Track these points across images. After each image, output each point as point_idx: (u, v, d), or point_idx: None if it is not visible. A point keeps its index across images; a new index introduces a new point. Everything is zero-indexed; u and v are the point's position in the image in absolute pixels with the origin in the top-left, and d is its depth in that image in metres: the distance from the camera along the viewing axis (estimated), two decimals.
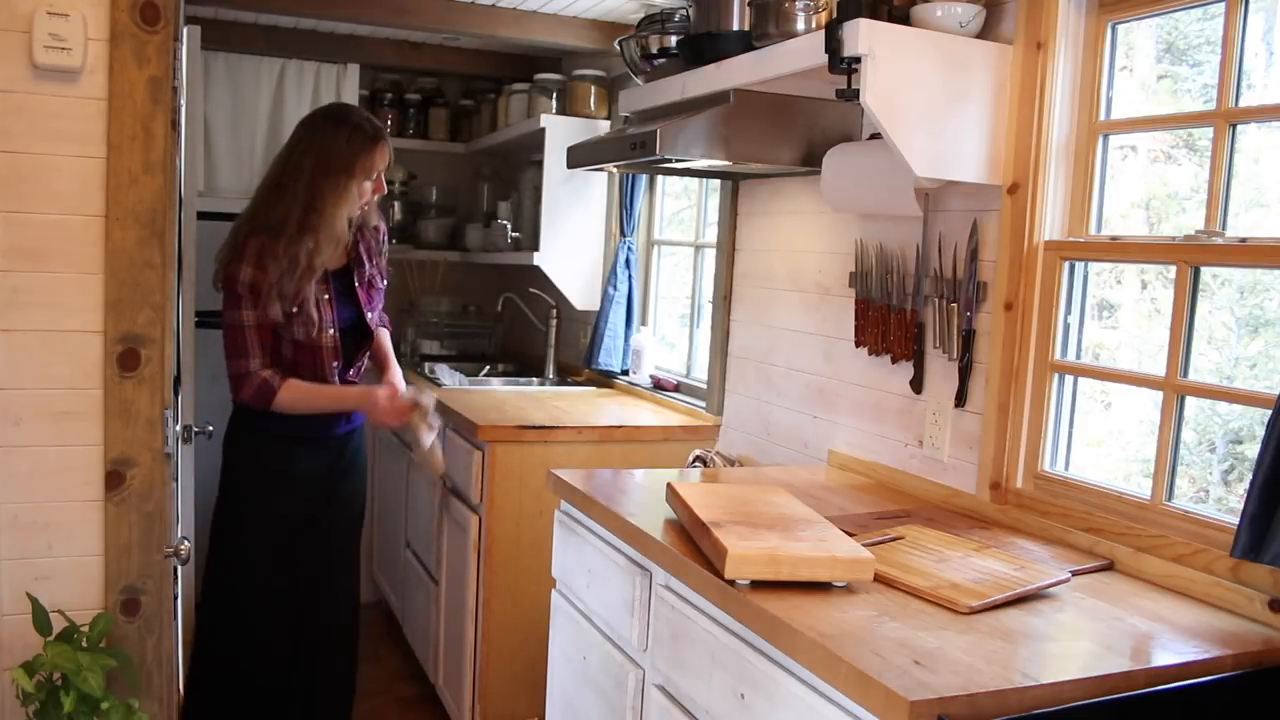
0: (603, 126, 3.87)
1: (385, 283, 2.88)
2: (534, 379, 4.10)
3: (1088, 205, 2.04)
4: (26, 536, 2.09)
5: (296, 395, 2.61)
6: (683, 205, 3.82)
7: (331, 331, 2.66)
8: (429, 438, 2.76)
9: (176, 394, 2.35)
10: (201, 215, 3.59)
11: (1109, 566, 1.86)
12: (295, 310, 2.60)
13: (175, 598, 2.41)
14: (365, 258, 2.77)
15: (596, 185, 3.95)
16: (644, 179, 3.74)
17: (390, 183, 4.65)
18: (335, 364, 2.69)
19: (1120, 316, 2.12)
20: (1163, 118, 1.98)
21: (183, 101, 2.26)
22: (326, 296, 2.66)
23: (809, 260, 2.73)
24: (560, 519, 2.35)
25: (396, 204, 4.68)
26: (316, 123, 2.66)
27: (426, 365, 4.04)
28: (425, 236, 4.70)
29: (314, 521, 2.75)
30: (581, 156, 2.82)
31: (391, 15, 3.60)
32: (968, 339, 2.20)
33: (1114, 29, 2.02)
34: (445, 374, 3.86)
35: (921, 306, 2.33)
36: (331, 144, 2.59)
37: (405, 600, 3.83)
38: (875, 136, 2.32)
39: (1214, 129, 1.79)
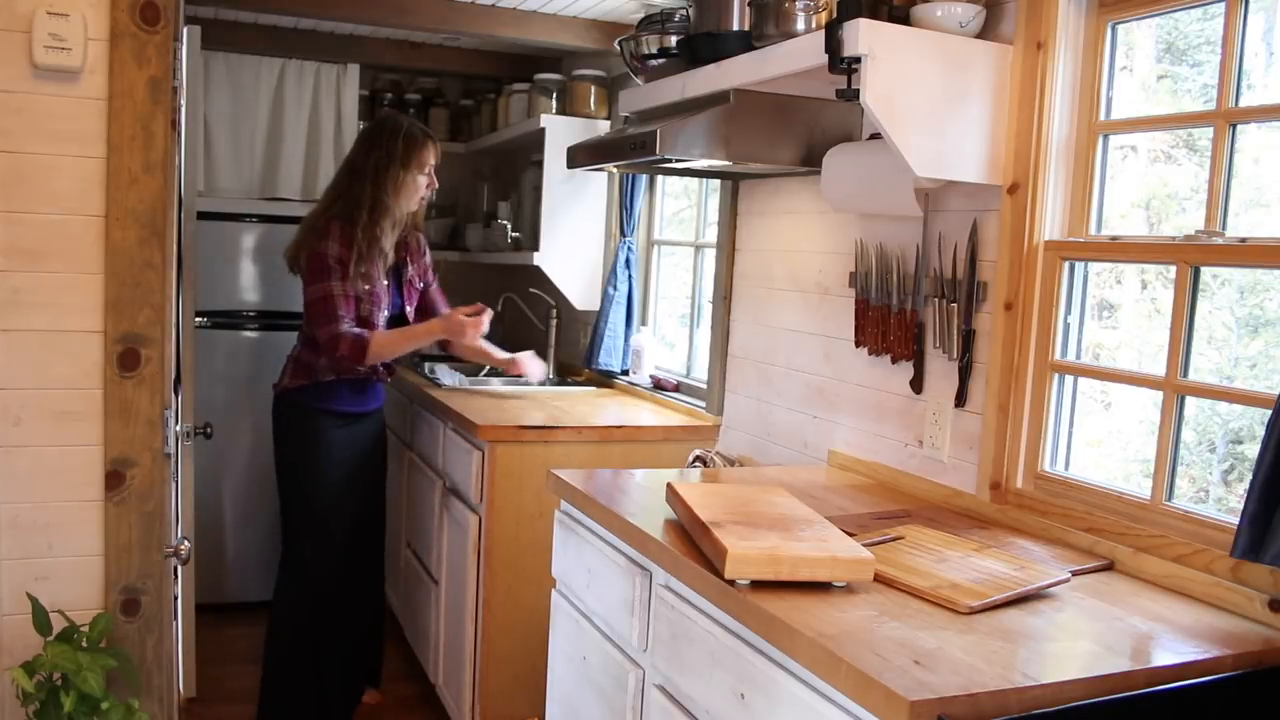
0: (603, 126, 3.87)
1: (434, 280, 3.38)
2: None
3: (1088, 205, 2.04)
4: (26, 536, 2.09)
5: (385, 340, 3.06)
6: (683, 205, 3.82)
7: (385, 314, 3.12)
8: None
9: (176, 394, 2.35)
10: (201, 215, 3.60)
11: (1109, 566, 1.86)
12: (365, 288, 3.04)
13: (175, 598, 2.41)
14: (408, 260, 3.25)
15: (596, 185, 3.95)
16: (644, 179, 3.74)
17: None
18: None
19: (1120, 316, 2.12)
20: (1163, 118, 1.98)
21: (183, 101, 2.26)
22: (385, 283, 3.13)
23: (809, 260, 2.73)
24: (560, 519, 2.35)
25: None
26: (375, 129, 3.15)
27: (426, 365, 4.04)
28: (425, 236, 4.69)
29: (366, 488, 3.26)
30: (581, 156, 2.82)
31: (391, 15, 3.60)
32: (968, 339, 2.20)
33: (1114, 29, 2.02)
34: (445, 374, 3.86)
35: (921, 306, 2.33)
36: (390, 144, 3.08)
37: (405, 600, 3.83)
38: (875, 136, 2.32)
39: (1214, 129, 1.79)
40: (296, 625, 3.17)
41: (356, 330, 2.99)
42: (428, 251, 3.37)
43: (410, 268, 3.25)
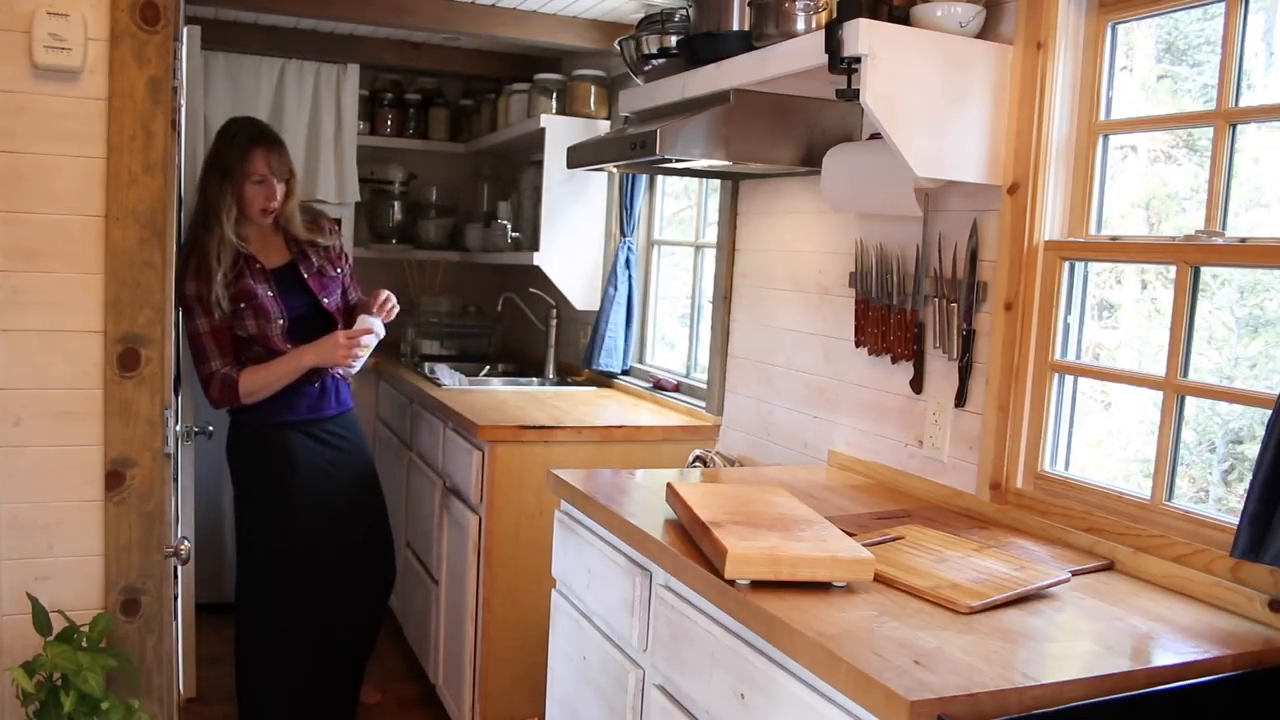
0: (603, 126, 3.87)
1: (347, 268, 3.10)
2: (534, 379, 4.10)
3: (1088, 205, 2.04)
4: (26, 536, 2.09)
5: (256, 375, 2.84)
6: (683, 205, 3.82)
7: (281, 322, 2.87)
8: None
9: (176, 394, 2.35)
10: None
11: (1109, 566, 1.86)
12: (242, 306, 2.82)
13: (175, 598, 2.41)
14: (309, 253, 2.97)
15: (596, 185, 3.95)
16: (644, 179, 3.74)
17: (389, 182, 4.68)
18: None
19: (1120, 316, 2.12)
20: (1163, 118, 1.98)
21: (183, 101, 2.26)
22: (270, 293, 2.87)
23: (809, 260, 2.73)
24: (560, 519, 2.35)
25: (396, 204, 4.68)
26: (216, 135, 2.91)
27: (426, 365, 4.04)
28: (425, 236, 4.70)
29: (334, 514, 2.98)
30: (581, 156, 2.82)
31: (391, 15, 3.60)
32: (968, 339, 2.20)
33: (1114, 29, 2.02)
34: (445, 374, 3.86)
35: (921, 306, 2.33)
36: (216, 151, 2.86)
37: (405, 600, 3.83)
38: (875, 136, 2.32)
39: (1214, 129, 1.79)
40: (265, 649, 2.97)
41: (225, 371, 2.80)
42: (336, 238, 3.07)
43: (314, 257, 2.95)
